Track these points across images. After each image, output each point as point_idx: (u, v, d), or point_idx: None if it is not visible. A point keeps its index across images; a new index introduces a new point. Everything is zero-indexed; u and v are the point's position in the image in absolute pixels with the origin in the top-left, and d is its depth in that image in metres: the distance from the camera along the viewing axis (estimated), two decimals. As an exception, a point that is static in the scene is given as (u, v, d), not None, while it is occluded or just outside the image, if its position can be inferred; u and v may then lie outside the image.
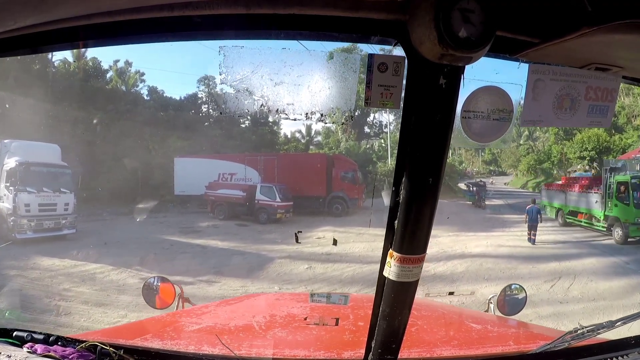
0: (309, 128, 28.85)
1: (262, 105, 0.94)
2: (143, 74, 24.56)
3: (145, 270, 8.92)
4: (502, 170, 35.81)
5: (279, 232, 13.94)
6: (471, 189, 22.08)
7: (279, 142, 27.51)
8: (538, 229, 12.80)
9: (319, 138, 29.11)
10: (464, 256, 10.94)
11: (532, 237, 12.64)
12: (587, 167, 23.05)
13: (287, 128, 29.42)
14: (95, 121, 19.78)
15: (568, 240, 13.27)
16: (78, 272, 9.01)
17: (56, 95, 18.99)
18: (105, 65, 23.63)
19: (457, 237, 13.10)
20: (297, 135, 29.15)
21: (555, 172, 26.84)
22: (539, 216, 13.05)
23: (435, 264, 10.00)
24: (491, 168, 36.63)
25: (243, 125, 25.51)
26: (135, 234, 12.91)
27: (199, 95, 26.33)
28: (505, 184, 32.15)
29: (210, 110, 26.29)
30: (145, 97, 24.85)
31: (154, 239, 12.44)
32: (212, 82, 25.81)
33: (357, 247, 11.68)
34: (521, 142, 31.28)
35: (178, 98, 26.02)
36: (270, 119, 23.70)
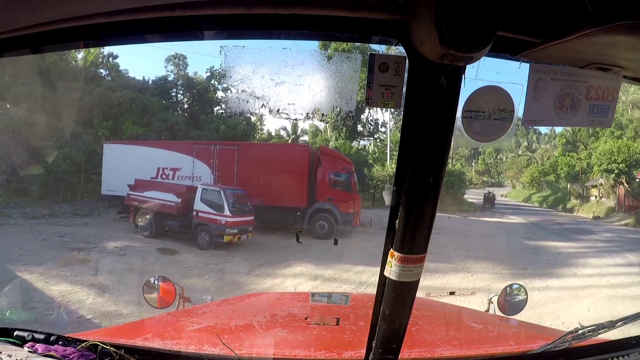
0: (295, 125, 24.96)
1: (262, 105, 0.94)
2: (117, 57, 21.28)
3: None
4: (496, 181, 33.69)
5: (219, 273, 8.25)
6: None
7: (257, 136, 22.56)
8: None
9: (306, 137, 25.11)
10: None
11: None
12: (612, 182, 20.20)
13: (270, 122, 25.55)
14: (40, 100, 15.96)
15: None
16: None
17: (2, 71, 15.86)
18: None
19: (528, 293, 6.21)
20: (282, 132, 25.36)
21: (566, 185, 24.48)
22: None
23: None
24: (484, 179, 34.55)
25: (212, 113, 20.92)
26: (6, 254, 8.43)
27: (170, 79, 22.30)
28: (502, 196, 29.18)
29: (179, 95, 22.46)
30: (107, 77, 20.87)
31: (8, 272, 7.42)
32: (182, 62, 22.19)
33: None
34: (519, 152, 30.29)
35: (140, 79, 22.18)
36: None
